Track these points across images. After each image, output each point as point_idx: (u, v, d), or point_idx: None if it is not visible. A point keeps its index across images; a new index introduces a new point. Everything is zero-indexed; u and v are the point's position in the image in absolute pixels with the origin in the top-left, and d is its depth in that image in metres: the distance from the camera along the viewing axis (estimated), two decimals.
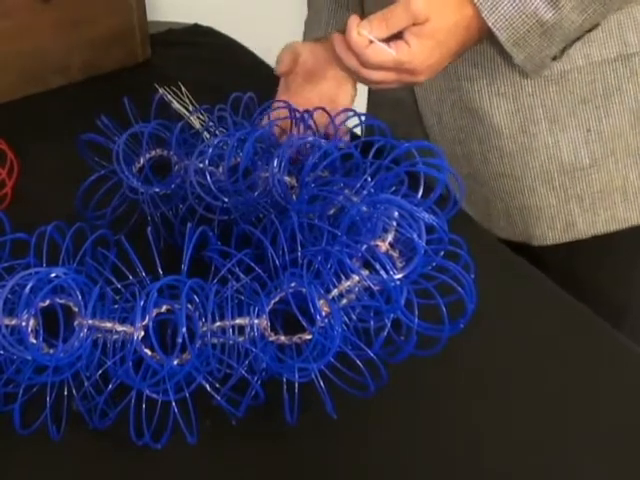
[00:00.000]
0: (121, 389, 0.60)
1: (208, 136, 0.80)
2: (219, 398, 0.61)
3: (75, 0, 1.10)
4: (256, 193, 0.74)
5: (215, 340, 0.61)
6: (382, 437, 0.64)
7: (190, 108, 0.95)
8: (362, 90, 0.94)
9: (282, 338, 0.61)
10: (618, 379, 0.69)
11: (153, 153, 0.79)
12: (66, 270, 0.61)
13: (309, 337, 0.61)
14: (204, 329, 0.60)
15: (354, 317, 0.62)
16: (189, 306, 0.60)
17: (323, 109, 0.82)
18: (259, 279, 0.64)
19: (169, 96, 0.96)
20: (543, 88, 0.84)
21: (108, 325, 0.60)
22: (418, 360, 0.61)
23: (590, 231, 0.90)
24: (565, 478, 0.62)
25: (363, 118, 0.79)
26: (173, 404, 0.60)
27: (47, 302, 0.60)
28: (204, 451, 0.62)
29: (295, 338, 0.61)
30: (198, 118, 0.89)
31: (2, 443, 0.63)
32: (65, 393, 0.62)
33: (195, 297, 0.61)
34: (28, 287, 0.59)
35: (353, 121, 0.80)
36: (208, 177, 0.74)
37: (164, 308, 0.61)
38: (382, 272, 0.60)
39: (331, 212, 0.70)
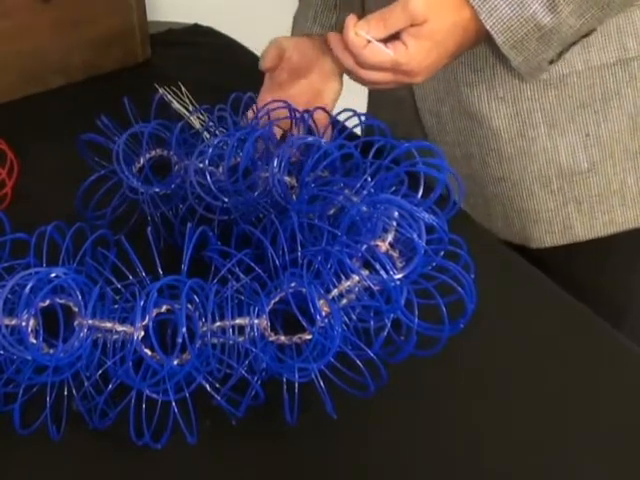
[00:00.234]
0: (121, 389, 0.60)
1: (208, 136, 0.80)
2: (219, 398, 0.61)
3: (75, 0, 1.10)
4: (256, 193, 0.74)
5: (215, 340, 0.61)
6: (382, 437, 0.64)
7: (190, 108, 0.95)
8: (362, 90, 0.94)
9: (282, 338, 0.61)
10: (618, 379, 0.69)
11: (153, 153, 0.79)
12: (66, 270, 0.61)
13: (309, 337, 0.61)
14: (204, 329, 0.60)
15: (354, 317, 0.62)
16: (189, 306, 0.60)
17: (323, 109, 0.82)
18: (259, 279, 0.64)
19: (169, 96, 0.96)
20: (542, 92, 0.84)
21: (108, 325, 0.60)
22: (418, 360, 0.61)
23: (588, 234, 0.90)
24: (565, 478, 0.62)
25: (363, 118, 0.79)
26: (173, 404, 0.60)
27: (47, 302, 0.60)
28: (204, 451, 0.62)
29: (295, 338, 0.61)
30: (198, 118, 0.89)
31: (2, 443, 0.63)
32: (65, 393, 0.62)
33: (195, 297, 0.61)
34: (28, 287, 0.59)
35: (353, 121, 0.80)
36: (208, 177, 0.74)
37: (164, 308, 0.61)
38: (382, 272, 0.60)
39: (331, 212, 0.70)
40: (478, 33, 0.75)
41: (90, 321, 0.60)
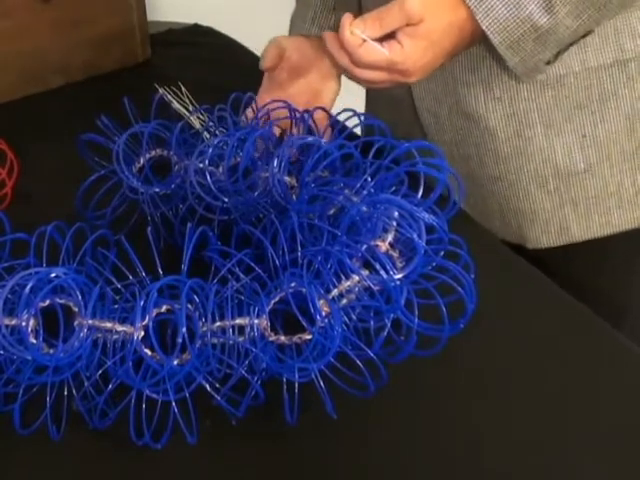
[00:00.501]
0: (121, 389, 0.60)
1: (208, 136, 0.80)
2: (219, 398, 0.61)
3: (75, 0, 1.10)
4: (256, 193, 0.74)
5: (215, 340, 0.61)
6: (382, 437, 0.64)
7: (190, 108, 0.95)
8: (360, 90, 0.94)
9: (282, 338, 0.61)
10: (618, 379, 0.69)
11: (153, 153, 0.79)
12: (66, 270, 0.61)
13: (309, 337, 0.61)
14: (204, 329, 0.60)
15: (354, 317, 0.62)
16: (189, 306, 0.60)
17: (323, 109, 0.82)
18: (259, 279, 0.64)
19: (169, 96, 0.96)
20: (539, 93, 0.84)
21: (108, 325, 0.60)
22: (418, 360, 0.61)
23: (584, 236, 0.90)
24: (565, 478, 0.62)
25: (363, 118, 0.79)
26: (173, 404, 0.60)
27: (47, 302, 0.60)
28: (204, 451, 0.62)
29: (295, 338, 0.61)
30: (198, 118, 0.89)
31: (2, 443, 0.63)
32: (65, 393, 0.62)
33: (195, 297, 0.61)
34: (28, 287, 0.58)
35: (353, 121, 0.80)
36: (208, 177, 0.74)
37: (164, 308, 0.61)
38: (382, 272, 0.60)
39: (331, 212, 0.70)
40: (474, 33, 0.75)
41: (90, 321, 0.60)
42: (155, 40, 1.23)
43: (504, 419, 0.66)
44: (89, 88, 1.14)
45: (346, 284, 0.61)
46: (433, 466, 0.62)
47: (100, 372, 0.61)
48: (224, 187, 0.74)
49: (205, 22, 1.34)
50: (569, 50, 0.79)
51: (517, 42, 0.74)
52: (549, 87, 0.84)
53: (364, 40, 0.73)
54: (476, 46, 0.81)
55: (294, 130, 0.80)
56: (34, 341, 0.58)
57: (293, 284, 0.61)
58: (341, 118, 0.80)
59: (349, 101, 0.87)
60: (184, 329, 0.58)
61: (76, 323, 0.60)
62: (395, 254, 0.63)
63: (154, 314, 0.60)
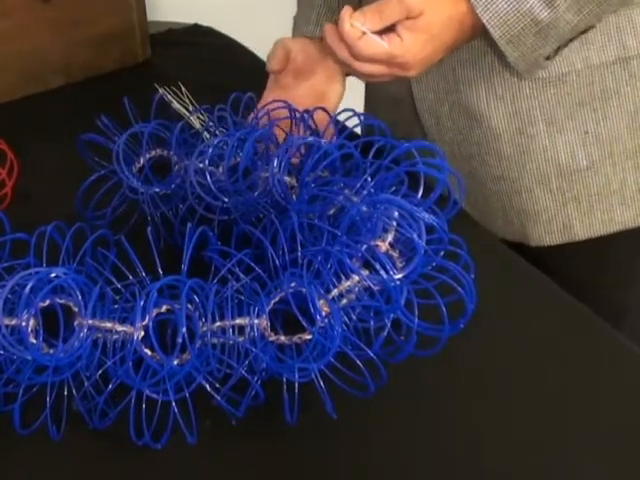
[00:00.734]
0: (121, 389, 0.60)
1: (208, 136, 0.80)
2: (219, 398, 0.61)
3: (75, 0, 1.10)
4: (256, 193, 0.74)
5: (215, 340, 0.61)
6: (382, 437, 0.64)
7: (190, 108, 0.95)
8: (359, 89, 0.94)
9: (282, 338, 0.61)
10: (618, 379, 0.69)
11: (153, 153, 0.79)
12: (66, 270, 0.61)
13: (309, 337, 0.61)
14: (204, 329, 0.60)
15: (354, 317, 0.62)
16: (189, 306, 0.60)
17: (323, 109, 0.82)
18: (259, 279, 0.64)
19: (169, 96, 0.96)
20: (541, 91, 0.84)
21: (108, 325, 0.60)
22: (418, 360, 0.61)
23: (587, 233, 0.90)
24: (565, 478, 0.62)
25: (363, 118, 0.79)
26: (173, 404, 0.60)
27: (47, 302, 0.60)
28: (204, 451, 0.62)
29: (295, 338, 0.61)
30: (198, 118, 0.88)
31: (2, 443, 0.63)
32: (65, 393, 0.62)
33: (195, 297, 0.61)
34: (28, 287, 0.58)
35: (353, 121, 0.80)
36: (208, 177, 0.74)
37: (164, 308, 0.61)
38: (382, 272, 0.60)
39: (331, 212, 0.70)
40: (474, 27, 0.75)
41: (90, 321, 0.60)
42: (155, 40, 1.23)
43: (504, 419, 0.66)
44: (89, 88, 1.14)
45: (346, 284, 0.61)
46: (433, 466, 0.62)
47: (100, 372, 0.61)
48: (224, 187, 0.74)
49: (205, 22, 1.34)
50: (571, 47, 0.79)
51: (517, 36, 0.74)
52: (551, 85, 0.84)
53: (364, 33, 0.73)
54: (477, 42, 0.81)
55: (294, 130, 0.80)
56: (34, 341, 0.58)
57: (293, 284, 0.61)
58: (341, 118, 0.80)
59: (349, 100, 0.87)
60: (184, 329, 0.58)
61: (76, 323, 0.60)
62: (395, 254, 0.63)
63: (154, 314, 0.60)
